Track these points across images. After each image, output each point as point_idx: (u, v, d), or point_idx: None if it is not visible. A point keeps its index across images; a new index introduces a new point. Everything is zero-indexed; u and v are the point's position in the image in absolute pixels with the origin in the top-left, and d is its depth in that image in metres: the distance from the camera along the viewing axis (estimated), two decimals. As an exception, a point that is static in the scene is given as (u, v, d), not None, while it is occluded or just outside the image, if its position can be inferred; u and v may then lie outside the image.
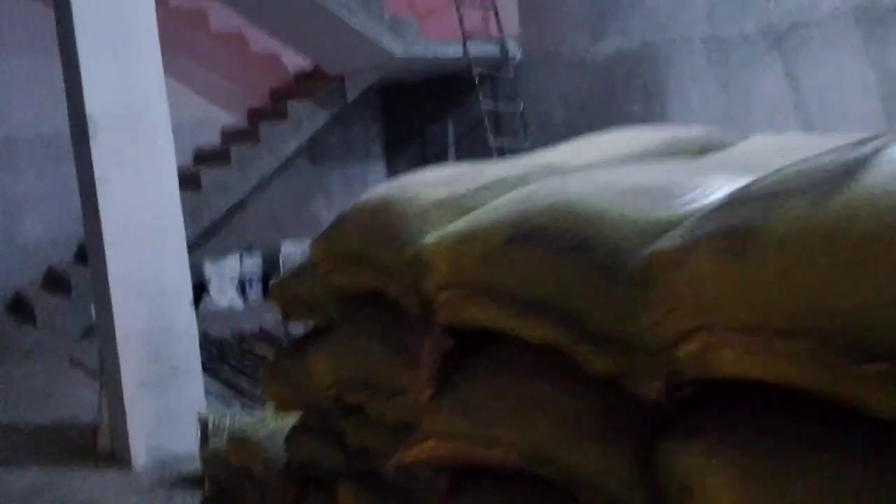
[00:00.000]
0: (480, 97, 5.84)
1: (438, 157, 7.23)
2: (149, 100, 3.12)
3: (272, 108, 6.77)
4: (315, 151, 7.32)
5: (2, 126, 6.07)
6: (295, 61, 7.03)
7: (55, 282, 6.00)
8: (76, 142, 3.19)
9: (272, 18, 5.65)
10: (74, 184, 6.44)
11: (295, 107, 6.34)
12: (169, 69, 3.38)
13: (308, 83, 6.76)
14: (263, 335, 5.16)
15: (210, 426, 2.91)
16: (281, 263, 6.59)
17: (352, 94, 6.47)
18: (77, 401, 4.29)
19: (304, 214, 7.37)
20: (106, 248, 3.07)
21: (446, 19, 5.78)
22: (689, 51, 4.91)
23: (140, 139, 3.12)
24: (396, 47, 5.32)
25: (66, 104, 6.38)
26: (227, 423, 2.96)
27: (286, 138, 6.29)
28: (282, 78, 7.17)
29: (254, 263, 6.60)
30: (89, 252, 3.25)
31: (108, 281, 3.09)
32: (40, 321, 5.51)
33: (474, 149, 6.83)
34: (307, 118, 6.35)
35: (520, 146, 5.89)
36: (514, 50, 6.02)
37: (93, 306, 3.38)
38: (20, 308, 5.93)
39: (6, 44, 6.04)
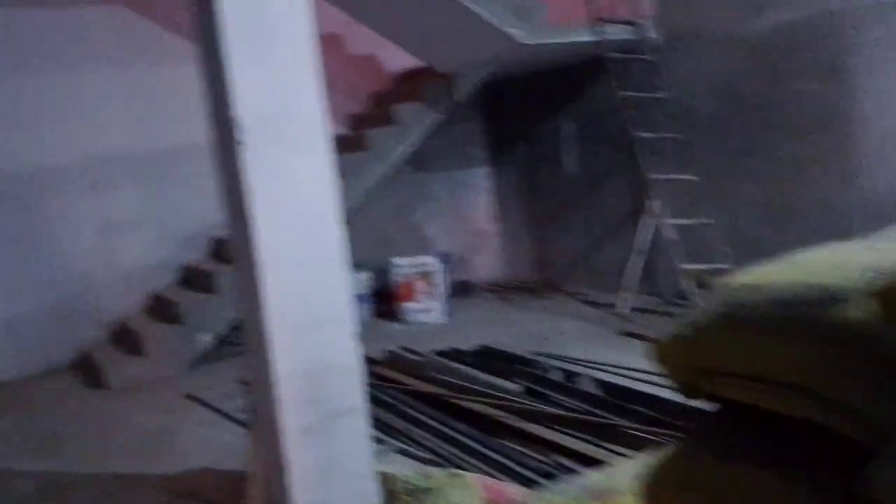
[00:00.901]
0: (615, 85, 5.29)
1: (547, 157, 6.70)
2: (303, 99, 2.66)
3: (375, 113, 6.33)
4: (416, 156, 6.86)
5: (95, 146, 5.75)
6: (394, 62, 6.59)
7: (161, 309, 5.64)
8: (220, 150, 2.73)
9: (380, 14, 5.20)
10: (173, 204, 6.17)
11: (401, 110, 5.89)
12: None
13: (410, 84, 6.30)
14: (396, 358, 4.69)
15: (398, 487, 2.44)
16: (391, 280, 6.14)
17: (460, 92, 5.99)
18: (205, 444, 3.86)
19: (407, 225, 6.91)
20: (260, 271, 2.61)
21: (571, 1, 5.26)
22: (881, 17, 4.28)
23: (294, 143, 2.66)
24: (522, 34, 4.82)
25: (155, 118, 6.13)
26: (420, 484, 2.49)
27: (394, 144, 5.84)
28: (381, 80, 6.73)
29: (363, 280, 6.15)
30: (239, 277, 2.79)
31: (263, 311, 2.62)
32: (149, 351, 5.13)
33: (592, 146, 6.28)
34: (415, 121, 5.89)
35: (661, 139, 5.31)
36: (651, 31, 5.45)
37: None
38: (125, 336, 5.58)
39: (93, 58, 5.73)
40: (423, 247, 6.65)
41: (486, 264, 7.25)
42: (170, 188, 6.00)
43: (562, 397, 3.64)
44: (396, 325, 5.99)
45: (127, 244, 5.88)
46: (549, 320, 5.61)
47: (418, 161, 6.74)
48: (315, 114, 2.72)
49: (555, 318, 5.66)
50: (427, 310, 5.93)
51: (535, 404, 3.56)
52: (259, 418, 2.84)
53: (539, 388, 3.78)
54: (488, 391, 3.76)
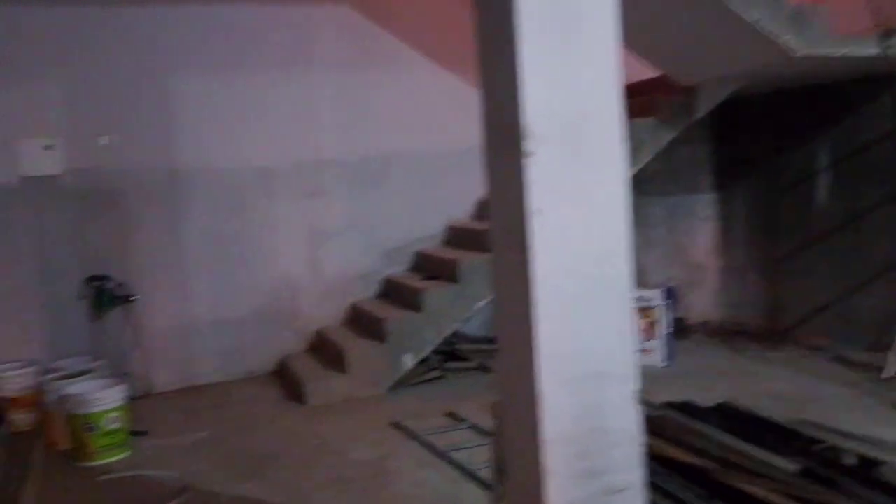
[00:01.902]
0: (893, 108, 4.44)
1: (791, 188, 5.86)
2: (605, 101, 2.17)
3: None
4: (633, 177, 6.24)
5: (309, 150, 5.59)
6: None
7: (361, 322, 5.38)
8: (495, 163, 2.29)
9: (623, 19, 4.65)
10: (380, 214, 5.93)
11: (633, 126, 5.29)
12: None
13: (642, 97, 5.70)
14: (656, 422, 4.09)
15: None
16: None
17: (701, 108, 5.33)
18: (421, 490, 3.45)
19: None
20: (535, 309, 2.13)
21: (851, 7, 4.48)
22: None
23: (590, 156, 2.17)
24: (799, 44, 4.12)
25: (369, 125, 5.92)
26: None
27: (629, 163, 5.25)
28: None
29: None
30: (502, 312, 2.34)
31: (534, 357, 2.15)
32: (350, 368, 4.85)
33: (852, 179, 5.39)
34: (648, 139, 5.29)
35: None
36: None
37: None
38: (324, 348, 5.36)
39: (315, 58, 5.58)
40: (637, 278, 6.02)
41: (703, 302, 6.49)
42: (378, 198, 5.75)
43: (859, 490, 2.90)
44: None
45: (331, 252, 5.69)
46: (793, 378, 4.80)
47: (635, 183, 6.10)
48: (615, 121, 2.23)
49: (800, 376, 4.84)
50: (646, 351, 5.29)
51: (825, 494, 2.85)
52: (513, 486, 2.36)
53: (824, 473, 3.06)
54: (757, 468, 3.09)
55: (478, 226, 5.60)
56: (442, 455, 3.76)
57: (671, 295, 5.54)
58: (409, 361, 4.92)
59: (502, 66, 2.17)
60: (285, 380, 5.25)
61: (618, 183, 2.24)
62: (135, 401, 4.34)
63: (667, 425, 3.82)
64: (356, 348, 4.95)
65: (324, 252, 5.67)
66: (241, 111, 5.42)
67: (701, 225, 6.54)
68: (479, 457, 3.63)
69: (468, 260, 5.09)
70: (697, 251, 6.55)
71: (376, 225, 5.77)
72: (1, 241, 4.91)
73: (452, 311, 4.99)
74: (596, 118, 2.20)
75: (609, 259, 2.24)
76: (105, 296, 5.08)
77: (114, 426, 4.03)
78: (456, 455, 3.72)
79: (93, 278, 5.11)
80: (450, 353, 5.34)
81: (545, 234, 2.15)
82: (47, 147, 4.98)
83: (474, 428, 4.11)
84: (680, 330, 5.95)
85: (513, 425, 2.32)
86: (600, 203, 2.22)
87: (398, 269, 5.81)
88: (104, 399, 4.01)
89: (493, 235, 2.34)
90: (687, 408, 4.22)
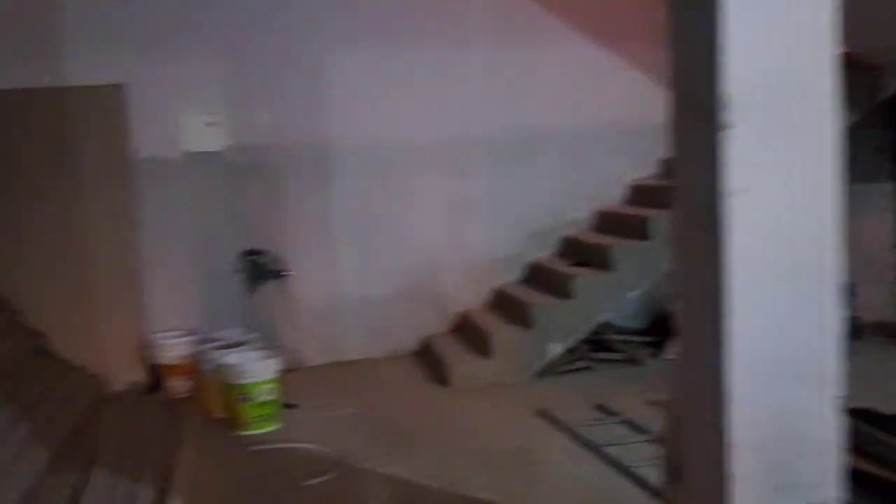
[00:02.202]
0: None
1: None
2: (817, 66, 1.91)
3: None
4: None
5: (454, 126, 5.50)
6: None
7: (505, 307, 5.25)
8: (686, 137, 2.08)
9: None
10: (525, 195, 5.77)
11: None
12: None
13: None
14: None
15: None
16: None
17: (886, 90, 4.82)
18: (571, 482, 3.30)
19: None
20: (728, 298, 1.92)
21: None
22: None
23: (799, 128, 1.92)
24: None
25: (517, 101, 5.76)
26: None
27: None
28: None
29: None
30: (685, 303, 2.13)
31: (725, 351, 1.93)
32: (495, 353, 4.74)
33: None
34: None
35: None
36: None
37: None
38: (467, 331, 5.28)
39: (466, 30, 5.46)
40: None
41: (878, 301, 5.92)
42: (524, 178, 5.59)
43: None
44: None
45: (475, 233, 5.59)
46: None
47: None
48: (827, 87, 1.96)
49: None
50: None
51: None
52: (691, 491, 2.16)
53: None
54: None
55: (630, 211, 5.34)
56: (594, 449, 3.57)
57: (845, 292, 5.06)
58: (555, 349, 4.75)
59: (701, 26, 1.95)
60: (429, 360, 5.21)
61: (829, 159, 1.97)
62: (286, 373, 4.41)
63: (848, 434, 3.47)
64: (501, 333, 4.83)
65: (468, 233, 5.58)
66: (389, 86, 5.40)
67: (879, 216, 5.95)
68: (636, 454, 3.43)
69: (622, 246, 4.85)
70: (874, 245, 5.98)
71: (521, 206, 5.61)
72: (164, 215, 5.12)
73: (604, 300, 4.77)
74: (808, 86, 1.94)
75: (815, 246, 2.00)
76: (260, 270, 5.20)
77: (267, 398, 4.11)
78: (610, 450, 3.53)
79: (248, 252, 5.25)
80: (597, 343, 5.12)
81: (744, 217, 1.93)
82: (209, 124, 5.15)
83: (628, 423, 3.90)
84: (853, 330, 5.45)
85: (694, 426, 2.11)
86: (808, 182, 1.97)
87: (543, 253, 5.63)
88: (258, 371, 4.09)
89: (679, 218, 2.14)
90: (868, 415, 3.83)
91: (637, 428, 3.82)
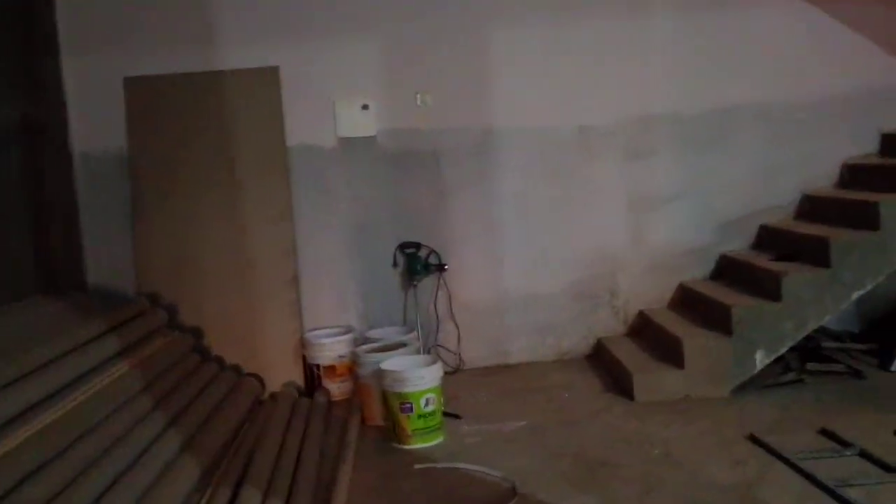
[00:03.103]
0: None
1: None
2: None
3: None
4: None
5: (634, 105, 4.86)
6: None
7: (693, 306, 4.58)
8: None
9: None
10: (716, 180, 4.90)
11: None
12: None
13: None
14: None
15: None
16: None
17: None
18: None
19: None
20: None
21: None
22: None
23: None
24: None
25: (708, 75, 4.87)
26: None
27: None
28: None
29: None
30: None
31: None
32: (687, 361, 4.09)
33: None
34: None
35: None
36: None
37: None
38: (648, 333, 4.66)
39: None
40: None
41: None
42: (715, 160, 4.87)
43: None
44: None
45: (657, 223, 4.93)
46: None
47: None
48: None
49: None
50: None
51: None
52: None
53: None
54: None
55: (848, 195, 4.50)
56: (830, 491, 2.88)
57: None
58: (760, 359, 4.04)
59: None
60: (604, 366, 4.64)
61: None
62: (445, 376, 3.98)
63: None
64: (693, 338, 4.16)
65: (648, 222, 4.93)
66: (559, 63, 4.83)
67: None
68: (886, 500, 2.72)
69: (842, 238, 4.06)
70: None
71: (712, 192, 4.89)
72: (320, 205, 4.83)
73: (821, 302, 4.01)
74: None
75: None
76: (418, 264, 4.81)
77: (430, 408, 3.69)
78: (851, 494, 2.83)
79: (405, 245, 4.87)
80: (809, 352, 4.34)
81: None
82: (364, 107, 4.79)
83: (867, 456, 3.17)
84: None
85: None
86: None
87: (737, 245, 4.90)
88: (422, 378, 3.67)
89: None
90: None
91: (881, 464, 3.08)
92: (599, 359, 4.79)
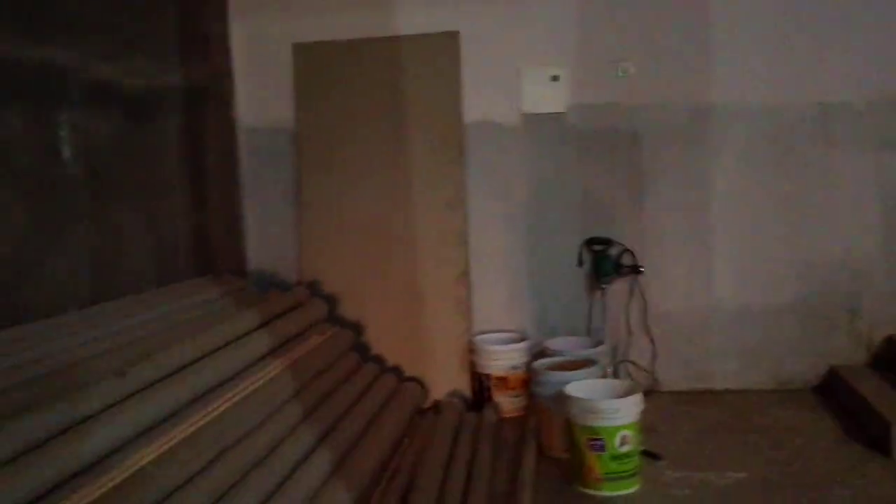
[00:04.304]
0: None
1: None
2: None
3: None
4: None
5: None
6: None
7: None
8: None
9: None
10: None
11: None
12: None
13: None
14: None
15: None
16: None
17: None
18: None
19: None
20: None
21: None
22: None
23: None
24: None
25: None
26: None
27: None
28: None
29: None
30: None
31: None
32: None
33: None
34: None
35: None
36: None
37: None
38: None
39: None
40: None
41: None
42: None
43: None
44: None
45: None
46: None
47: None
48: None
49: None
50: None
51: None
52: None
53: None
54: None
55: None
56: None
57: None
58: None
59: None
60: (841, 404, 3.73)
61: None
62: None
63: None
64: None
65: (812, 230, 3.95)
66: (793, 31, 3.93)
67: None
68: None
69: None
70: None
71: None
72: (497, 191, 4.22)
73: None
74: None
75: None
76: (608, 264, 4.10)
77: (626, 448, 2.99)
78: None
79: (593, 241, 4.17)
80: None
81: None
82: (554, 78, 4.12)
83: None
84: None
85: None
86: None
87: None
88: (619, 411, 2.97)
89: None
90: None
91: None
92: (833, 393, 3.88)
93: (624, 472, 2.99)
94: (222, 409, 2.67)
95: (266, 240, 4.37)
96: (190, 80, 3.93)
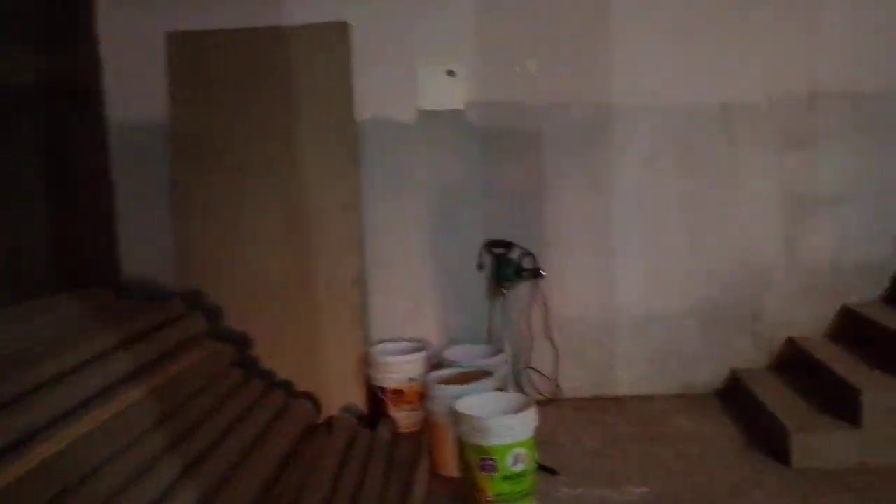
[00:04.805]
0: None
1: None
2: None
3: None
4: None
5: (797, 83, 3.82)
6: None
7: (867, 340, 3.53)
8: None
9: None
10: (888, 174, 3.76)
11: None
12: None
13: None
14: None
15: None
16: None
17: None
18: None
19: None
20: None
21: None
22: None
23: None
24: None
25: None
26: None
27: None
28: None
29: None
30: None
31: None
32: (864, 415, 3.07)
33: None
34: None
35: None
36: None
37: None
38: (800, 369, 3.64)
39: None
40: None
41: None
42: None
43: None
44: None
45: (817, 230, 3.89)
46: None
47: None
48: None
49: None
50: None
51: None
52: None
53: None
54: None
55: None
56: None
57: None
58: (970, 421, 3.00)
59: None
60: (742, 409, 3.65)
61: None
62: (538, 407, 3.09)
63: None
64: (872, 385, 3.14)
65: (806, 229, 3.89)
66: (697, 25, 3.84)
67: None
68: None
69: None
70: None
71: (890, 193, 3.82)
72: (393, 192, 3.99)
73: None
74: None
75: None
76: (509, 268, 3.93)
77: (519, 467, 2.80)
78: None
79: (494, 243, 3.99)
80: None
81: None
82: (449, 73, 3.92)
83: None
84: None
85: None
86: None
87: (921, 260, 3.82)
88: (512, 430, 2.79)
89: None
90: None
91: None
92: (735, 397, 3.81)
93: (517, 492, 2.81)
94: (63, 445, 2.37)
95: (143, 247, 4.02)
96: (51, 74, 3.56)
